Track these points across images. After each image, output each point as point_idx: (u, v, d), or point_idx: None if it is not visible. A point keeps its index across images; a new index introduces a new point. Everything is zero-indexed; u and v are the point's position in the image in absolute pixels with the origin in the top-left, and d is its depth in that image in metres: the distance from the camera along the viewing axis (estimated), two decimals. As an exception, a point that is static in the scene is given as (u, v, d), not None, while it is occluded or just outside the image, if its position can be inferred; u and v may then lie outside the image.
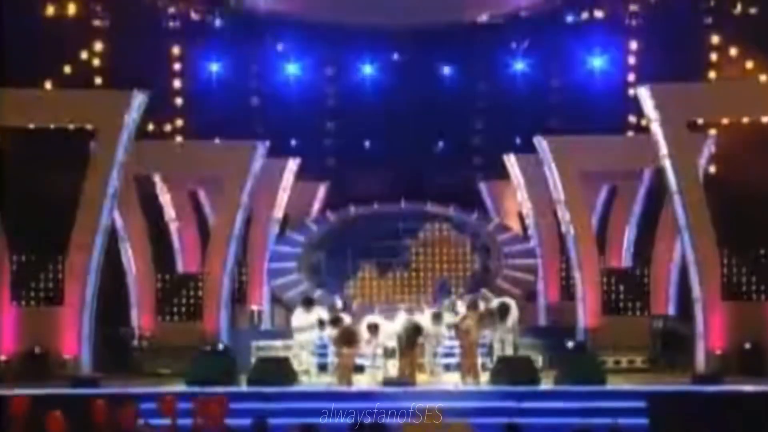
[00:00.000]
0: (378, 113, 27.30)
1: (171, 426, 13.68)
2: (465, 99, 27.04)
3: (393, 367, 18.00)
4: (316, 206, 26.87)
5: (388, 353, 18.15)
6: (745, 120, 19.62)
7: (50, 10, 24.69)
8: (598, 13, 26.54)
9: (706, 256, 18.46)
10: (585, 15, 26.47)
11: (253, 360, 18.79)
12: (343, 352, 17.69)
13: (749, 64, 24.68)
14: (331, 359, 18.42)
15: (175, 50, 26.63)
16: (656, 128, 18.54)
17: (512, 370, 17.14)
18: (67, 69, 24.39)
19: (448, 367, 18.65)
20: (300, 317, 18.74)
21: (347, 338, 17.63)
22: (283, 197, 24.56)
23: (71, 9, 24.98)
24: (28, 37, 22.46)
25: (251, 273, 24.19)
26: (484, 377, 17.75)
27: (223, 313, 20.70)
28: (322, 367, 18.66)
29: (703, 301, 18.41)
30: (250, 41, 26.81)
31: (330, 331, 18.04)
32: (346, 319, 18.21)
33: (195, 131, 25.48)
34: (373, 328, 17.76)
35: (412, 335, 17.52)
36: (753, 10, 24.82)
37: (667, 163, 18.56)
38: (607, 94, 25.89)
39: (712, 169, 23.28)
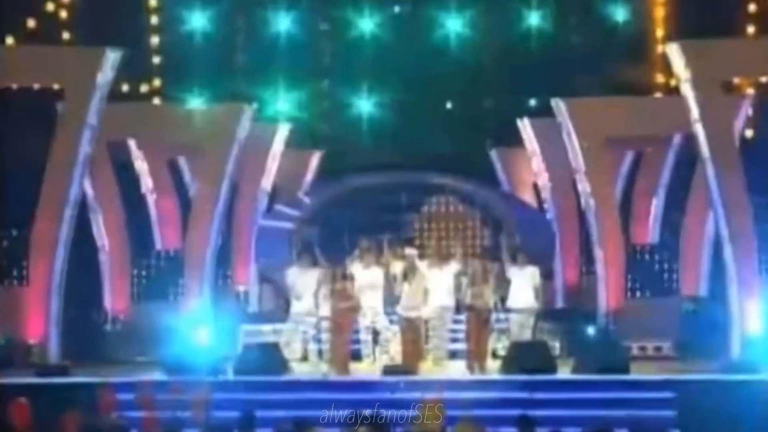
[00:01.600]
0: (378, 73, 27.22)
1: (150, 420, 13.64)
2: (474, 57, 26.96)
3: (397, 354, 18.00)
4: (309, 177, 26.85)
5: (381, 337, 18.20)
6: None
7: (12, -43, 24.58)
8: (623, -39, 26.46)
9: (742, 230, 18.38)
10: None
11: (239, 346, 18.76)
12: (337, 338, 17.70)
13: (791, 17, 24.61)
14: (325, 346, 18.45)
15: (152, 1, 26.52)
16: (687, 89, 18.46)
17: (526, 357, 17.09)
18: (31, 23, 24.30)
19: (454, 354, 18.64)
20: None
21: (341, 321, 17.63)
22: (272, 166, 24.51)
23: (35, -45, 24.90)
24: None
25: (237, 250, 24.19)
26: (495, 364, 17.74)
27: (205, 293, 20.70)
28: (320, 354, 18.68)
29: (739, 281, 18.36)
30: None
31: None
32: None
33: (174, 92, 25.41)
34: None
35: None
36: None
37: (698, 128, 18.49)
38: (632, 51, 25.81)
39: (749, 133, 23.24)
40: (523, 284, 18.12)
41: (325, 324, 18.34)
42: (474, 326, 17.81)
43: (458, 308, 18.34)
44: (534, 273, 18.22)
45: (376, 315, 18.30)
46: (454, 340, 18.85)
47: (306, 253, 19.05)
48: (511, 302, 18.20)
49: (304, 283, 18.33)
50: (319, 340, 18.68)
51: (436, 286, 18.15)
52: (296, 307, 18.50)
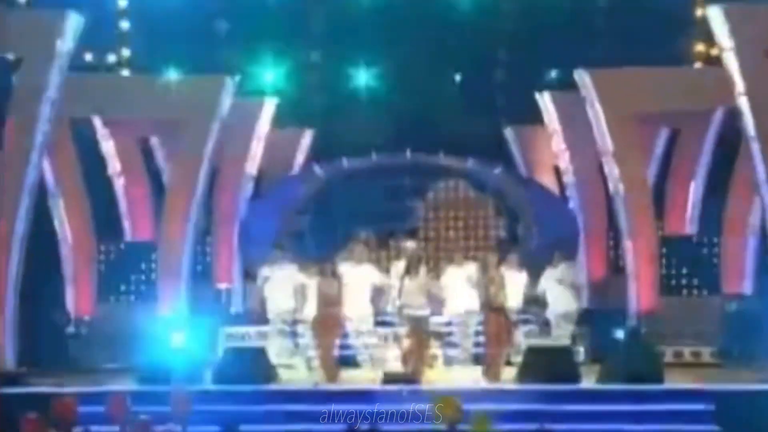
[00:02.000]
0: (377, 41, 27.21)
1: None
2: (488, 22, 26.93)
3: (396, 360, 18.00)
4: (300, 159, 26.88)
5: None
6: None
7: None
8: None
9: (792, 219, 18.41)
10: None
11: (220, 351, 18.79)
12: (323, 341, 17.74)
13: None
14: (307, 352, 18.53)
15: (121, -40, 26.51)
16: (731, 59, 18.45)
17: (545, 364, 17.15)
18: (-17, -16, 24.28)
19: (476, 359, 18.71)
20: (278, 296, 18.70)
21: (326, 322, 17.65)
22: (257, 147, 24.55)
23: None
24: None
25: (218, 243, 24.22)
26: (510, 373, 17.74)
27: (182, 292, 20.73)
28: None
29: (789, 277, 18.42)
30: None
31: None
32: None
33: (145, 63, 25.38)
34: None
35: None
36: None
37: (743, 102, 18.47)
38: (668, 15, 25.73)
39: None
40: (559, 286, 18.30)
41: (301, 327, 18.49)
42: (494, 328, 17.80)
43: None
44: (567, 270, 18.37)
45: (362, 319, 18.37)
46: (477, 344, 18.90)
47: (282, 248, 19.15)
48: (550, 310, 18.41)
49: (279, 281, 18.41)
50: (296, 342, 18.79)
51: (456, 286, 18.25)
52: (272, 308, 18.60)
